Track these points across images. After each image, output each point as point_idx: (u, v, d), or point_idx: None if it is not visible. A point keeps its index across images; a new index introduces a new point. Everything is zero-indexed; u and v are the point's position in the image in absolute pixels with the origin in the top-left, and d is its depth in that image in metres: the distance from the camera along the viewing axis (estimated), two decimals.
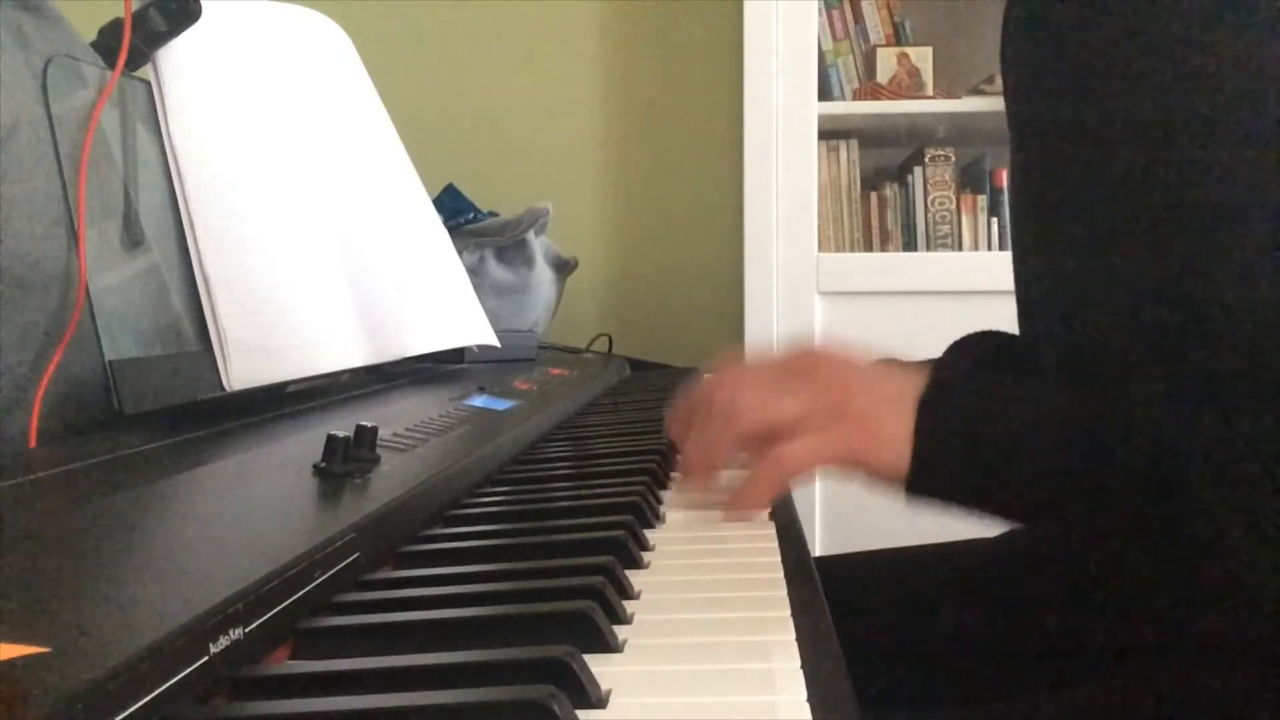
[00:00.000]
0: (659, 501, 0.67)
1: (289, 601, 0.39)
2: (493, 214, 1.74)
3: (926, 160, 1.96)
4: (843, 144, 1.97)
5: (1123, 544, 0.55)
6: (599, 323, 1.98)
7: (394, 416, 0.75)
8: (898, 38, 2.01)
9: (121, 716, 0.28)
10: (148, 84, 0.76)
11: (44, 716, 0.26)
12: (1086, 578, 0.66)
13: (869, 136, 2.01)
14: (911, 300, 1.82)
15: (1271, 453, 0.50)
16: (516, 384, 1.03)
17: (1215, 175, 0.52)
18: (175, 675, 0.31)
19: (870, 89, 1.96)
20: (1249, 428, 0.51)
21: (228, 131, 0.81)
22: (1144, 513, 0.53)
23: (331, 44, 1.05)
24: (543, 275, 1.66)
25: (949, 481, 0.59)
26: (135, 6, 0.74)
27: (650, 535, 0.58)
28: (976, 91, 1.93)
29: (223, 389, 0.70)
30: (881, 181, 2.02)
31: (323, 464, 0.56)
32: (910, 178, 1.98)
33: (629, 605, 0.45)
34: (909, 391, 0.60)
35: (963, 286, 1.79)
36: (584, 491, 0.67)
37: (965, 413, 0.59)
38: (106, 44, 0.73)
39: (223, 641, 0.34)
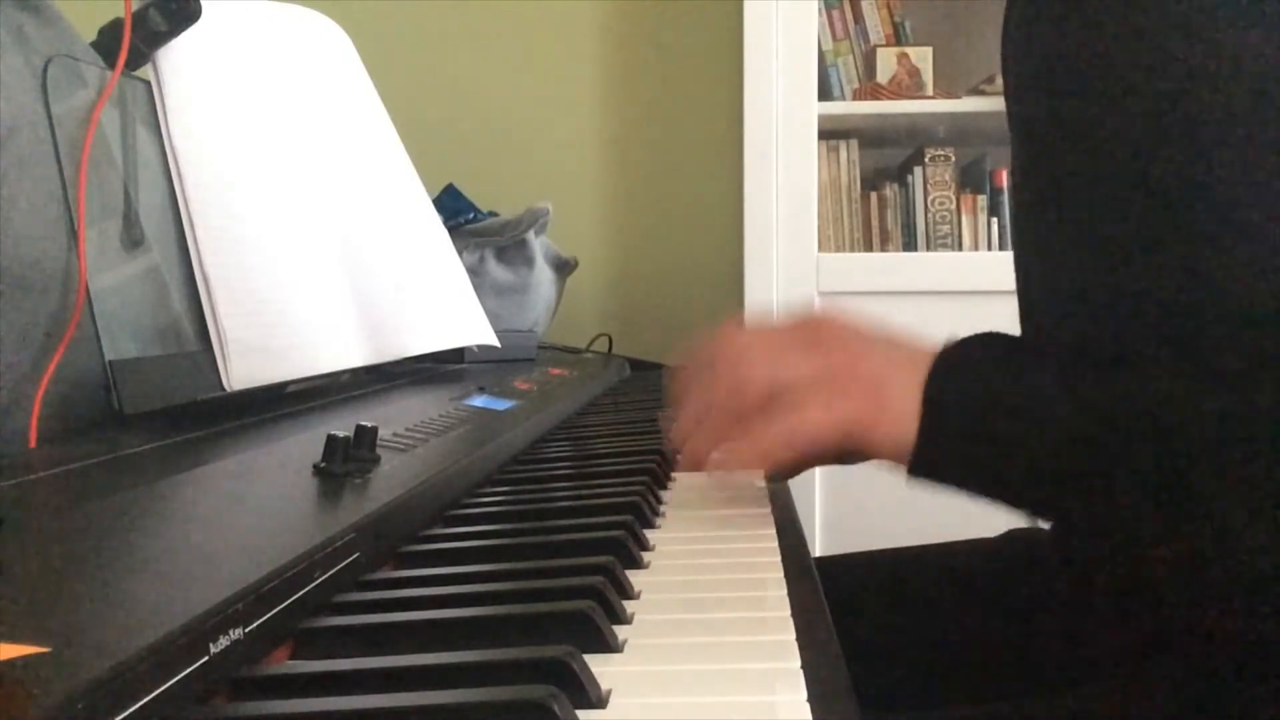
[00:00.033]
0: (659, 501, 0.67)
1: (289, 601, 0.39)
2: (493, 214, 1.74)
3: (926, 160, 1.96)
4: (843, 144, 1.97)
5: (1132, 534, 0.53)
6: (599, 323, 1.98)
7: (394, 416, 0.75)
8: (898, 38, 2.01)
9: (121, 716, 0.28)
10: (148, 84, 0.76)
11: (44, 716, 0.26)
12: (1093, 569, 0.65)
13: (869, 136, 2.01)
14: (911, 300, 1.82)
15: (1275, 446, 0.49)
16: (516, 384, 1.03)
17: (1217, 174, 0.52)
18: (175, 675, 0.31)
19: (870, 89, 1.96)
20: (1254, 422, 0.50)
21: (228, 131, 0.81)
22: (1153, 501, 0.51)
23: (331, 44, 1.05)
24: (543, 275, 1.66)
25: (955, 459, 0.57)
26: (135, 6, 0.74)
27: (650, 535, 0.58)
28: (976, 91, 1.93)
29: (223, 389, 0.70)
30: (881, 181, 2.02)
31: (323, 464, 0.56)
32: (910, 178, 1.98)
33: (629, 605, 0.45)
34: (918, 363, 0.57)
35: (963, 286, 1.79)
36: (584, 491, 0.67)
37: (974, 388, 0.56)
38: (106, 44, 0.73)
39: (223, 641, 0.34)
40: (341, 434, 0.57)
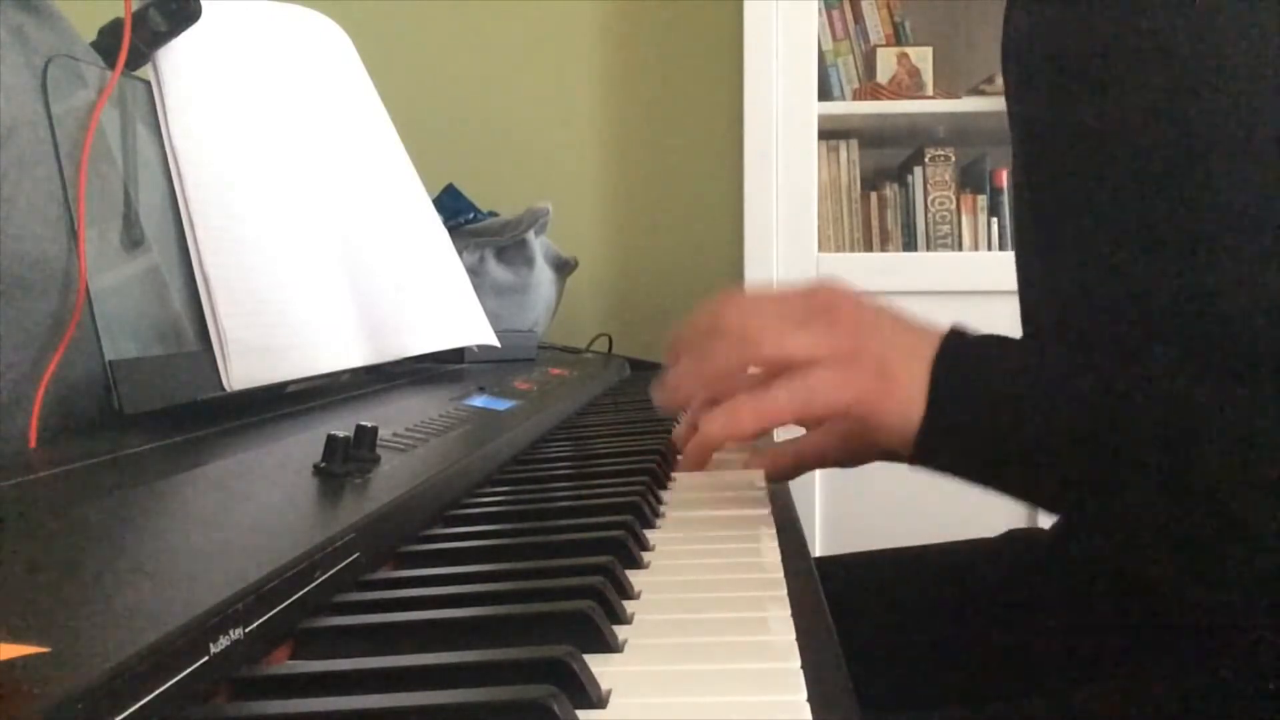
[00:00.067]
0: (659, 501, 0.67)
1: (289, 601, 0.39)
2: (493, 214, 1.74)
3: (926, 160, 1.97)
4: (843, 144, 1.97)
5: (1140, 525, 0.52)
6: (599, 323, 1.98)
7: (394, 416, 0.75)
8: (898, 38, 2.01)
9: (121, 716, 0.28)
10: (148, 84, 0.76)
11: (44, 716, 0.26)
12: (1096, 564, 0.65)
13: (869, 136, 2.01)
14: (911, 300, 1.80)
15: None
16: (516, 384, 1.03)
17: (1218, 174, 0.52)
18: (175, 675, 0.31)
19: (870, 89, 1.96)
20: (1262, 414, 0.49)
21: (228, 131, 0.81)
22: (1164, 491, 0.50)
23: (331, 44, 1.05)
24: (543, 275, 1.66)
25: (960, 443, 0.55)
26: (135, 6, 0.74)
27: (650, 535, 0.58)
28: (976, 91, 1.93)
29: (223, 389, 0.70)
30: (881, 181, 2.02)
31: (323, 464, 0.56)
32: (910, 178, 1.98)
33: (629, 605, 0.45)
34: (926, 343, 0.56)
35: (963, 286, 1.79)
36: (584, 491, 0.67)
37: (982, 370, 0.55)
38: (106, 44, 0.73)
39: (223, 641, 0.34)
40: (341, 434, 0.57)
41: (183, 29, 0.77)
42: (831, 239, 1.96)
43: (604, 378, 1.34)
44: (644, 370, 1.57)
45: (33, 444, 0.58)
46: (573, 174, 2.13)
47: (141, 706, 0.29)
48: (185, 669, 0.32)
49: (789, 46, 1.84)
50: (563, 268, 1.73)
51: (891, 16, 2.01)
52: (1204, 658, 0.59)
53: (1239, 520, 0.49)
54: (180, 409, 0.66)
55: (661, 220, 2.13)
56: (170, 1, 0.76)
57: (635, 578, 0.49)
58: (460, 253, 1.19)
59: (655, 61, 2.12)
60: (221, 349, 0.72)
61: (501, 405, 0.89)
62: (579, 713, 0.33)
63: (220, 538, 0.44)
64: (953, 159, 1.97)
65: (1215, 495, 0.49)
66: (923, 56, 1.98)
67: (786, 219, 1.86)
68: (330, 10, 1.05)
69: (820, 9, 1.93)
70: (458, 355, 1.13)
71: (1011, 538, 0.85)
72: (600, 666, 0.36)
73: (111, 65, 0.71)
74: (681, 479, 0.75)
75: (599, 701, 0.35)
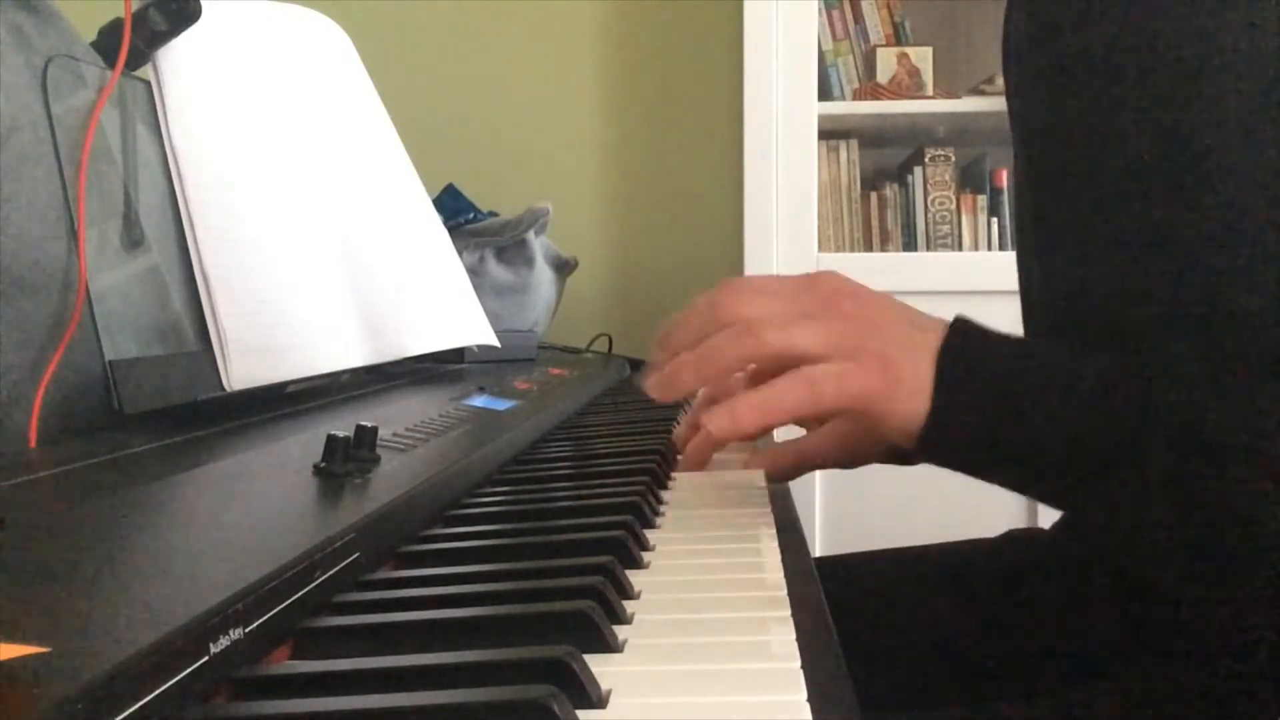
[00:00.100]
0: (659, 501, 0.67)
1: (289, 601, 0.39)
2: (493, 214, 1.74)
3: (926, 160, 1.97)
4: (843, 144, 1.97)
5: (1151, 517, 0.51)
6: (599, 323, 1.98)
7: (394, 416, 0.75)
8: (898, 38, 2.01)
9: (121, 717, 0.28)
10: (148, 84, 0.76)
11: (44, 716, 0.26)
12: (1100, 561, 0.65)
13: (869, 136, 2.01)
14: (912, 300, 1.80)
15: None
16: (516, 384, 1.03)
17: (1219, 172, 0.52)
18: (175, 675, 0.31)
19: (870, 89, 1.96)
20: (1265, 414, 0.49)
21: (228, 131, 0.81)
22: (1169, 485, 0.50)
23: (331, 44, 1.05)
24: (543, 275, 1.66)
25: (966, 437, 0.54)
26: (135, 6, 0.74)
27: (650, 535, 0.58)
28: (976, 91, 1.93)
29: (223, 389, 0.70)
30: (881, 181, 2.02)
31: (323, 464, 0.56)
32: (910, 178, 1.98)
33: (629, 605, 0.45)
34: (930, 334, 0.56)
35: (963, 286, 1.79)
36: (584, 491, 0.67)
37: (988, 364, 0.54)
38: (106, 44, 0.73)
39: (223, 641, 0.34)
40: (341, 434, 0.57)
41: (183, 29, 0.77)
42: (831, 239, 1.96)
43: (604, 378, 1.34)
44: (644, 370, 1.57)
45: (33, 444, 0.58)
46: (573, 174, 2.13)
47: (141, 706, 0.29)
48: (185, 669, 0.32)
49: (789, 46, 1.85)
50: (563, 268, 1.73)
51: (891, 16, 2.01)
52: (1204, 658, 0.59)
53: (1244, 517, 0.49)
54: (180, 409, 0.66)
55: (661, 220, 2.13)
56: (170, 1, 0.76)
57: (635, 578, 0.49)
58: (460, 253, 1.19)
59: (655, 61, 2.12)
60: (221, 349, 0.72)
61: (501, 405, 0.89)
62: (579, 713, 0.33)
63: (220, 538, 0.44)
64: (953, 159, 1.97)
65: (1221, 491, 0.49)
66: (923, 56, 1.98)
67: (786, 219, 1.86)
68: (330, 10, 1.05)
69: (820, 9, 1.93)
70: (458, 355, 1.13)
71: (1011, 538, 0.85)
72: (600, 666, 0.36)
73: (111, 65, 0.71)
74: (681, 479, 0.75)
75: (599, 701, 0.35)
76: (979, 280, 1.77)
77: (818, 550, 1.80)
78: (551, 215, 1.67)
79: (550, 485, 0.70)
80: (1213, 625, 0.59)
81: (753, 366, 0.62)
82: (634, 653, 0.40)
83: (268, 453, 0.60)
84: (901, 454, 0.67)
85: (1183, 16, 0.53)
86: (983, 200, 1.97)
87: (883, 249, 1.98)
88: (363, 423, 0.59)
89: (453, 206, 1.71)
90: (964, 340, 0.55)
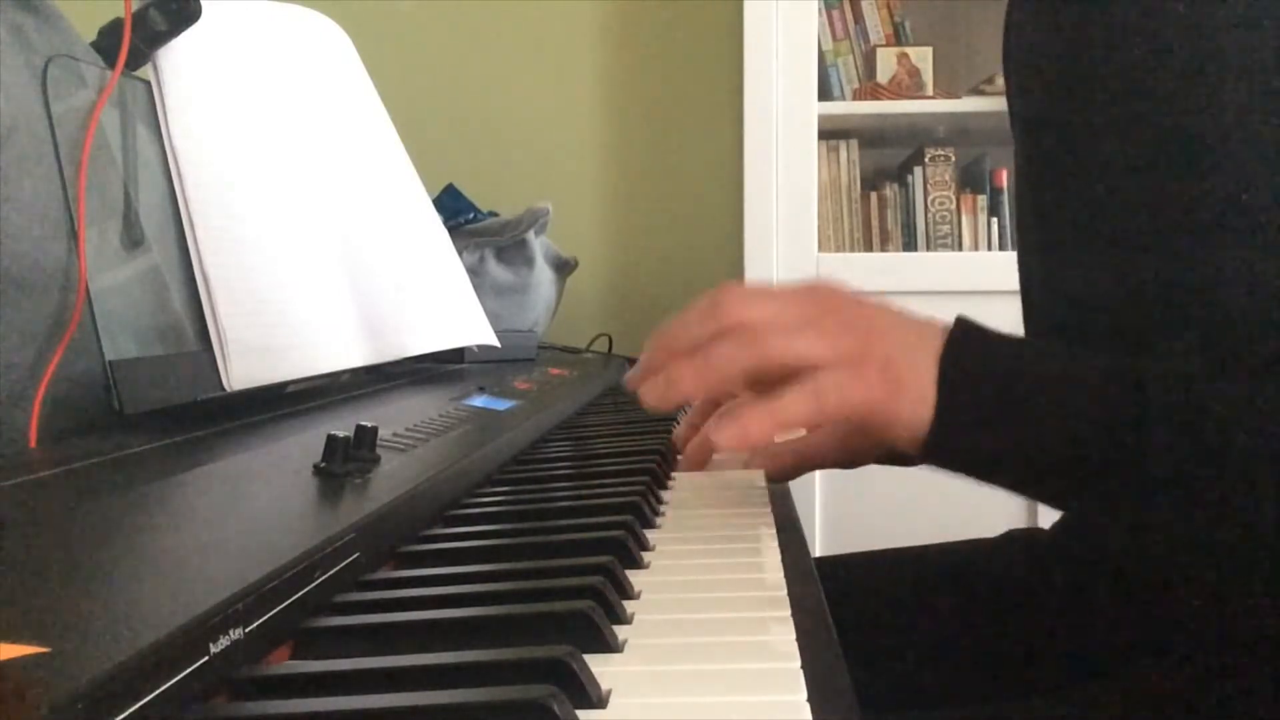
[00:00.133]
0: (659, 501, 0.67)
1: (289, 601, 0.39)
2: (493, 214, 1.74)
3: (926, 160, 1.97)
4: (843, 144, 1.97)
5: (1158, 518, 0.51)
6: (599, 323, 1.98)
7: (394, 416, 0.75)
8: (898, 38, 2.01)
9: (121, 717, 0.28)
10: (148, 84, 0.76)
11: (44, 716, 0.26)
12: (1104, 562, 0.65)
13: (869, 136, 2.01)
14: (911, 300, 1.80)
15: None
16: (516, 384, 1.03)
17: (1219, 170, 0.52)
18: (175, 675, 0.31)
19: (870, 89, 1.96)
20: (1272, 412, 0.49)
21: (228, 131, 0.81)
22: (1179, 485, 0.49)
23: (331, 44, 1.05)
24: (543, 275, 1.66)
25: (971, 441, 0.54)
26: (135, 6, 0.74)
27: (650, 535, 0.58)
28: (976, 91, 1.93)
29: (223, 389, 0.70)
30: (881, 181, 2.02)
31: (323, 464, 0.56)
32: (910, 178, 1.98)
33: (629, 605, 0.45)
34: (931, 338, 0.55)
35: (963, 286, 1.79)
36: (584, 491, 0.67)
37: (991, 366, 0.54)
38: (106, 44, 0.73)
39: (223, 641, 0.34)
40: (341, 434, 0.57)
41: (183, 29, 0.77)
42: (831, 239, 1.96)
43: (604, 378, 1.34)
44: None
45: (33, 444, 0.58)
46: (573, 174, 2.13)
47: (141, 706, 0.29)
48: (185, 669, 0.32)
49: (789, 46, 1.84)
50: (563, 268, 1.73)
51: (891, 16, 2.01)
52: (1204, 658, 0.59)
53: (1245, 517, 0.49)
54: (180, 409, 0.66)
55: (661, 220, 2.13)
56: (170, 1, 0.76)
57: (635, 578, 0.49)
58: (460, 253, 1.19)
59: (655, 61, 2.12)
60: (221, 349, 0.72)
61: (501, 405, 0.89)
62: (579, 713, 0.33)
63: (220, 538, 0.44)
64: (953, 159, 1.97)
65: (1222, 491, 0.49)
66: (923, 56, 1.98)
67: (786, 219, 1.86)
68: (330, 10, 1.05)
69: (820, 9, 1.93)
70: (458, 355, 1.13)
71: (1011, 538, 0.85)
72: (600, 666, 0.36)
73: (111, 65, 0.71)
74: (681, 479, 0.75)
75: (599, 701, 0.35)
76: (979, 280, 1.77)
77: (818, 550, 1.80)
78: (551, 215, 1.67)
79: (550, 485, 0.70)
80: (1213, 625, 0.59)
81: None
82: (634, 653, 0.40)
83: (268, 453, 0.60)
84: (901, 455, 0.67)
85: (1183, 16, 0.53)
86: (983, 200, 1.97)
87: (883, 249, 1.98)
88: (363, 423, 0.59)
89: (453, 206, 1.71)
90: (965, 343, 0.55)
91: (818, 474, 1.79)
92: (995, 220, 1.96)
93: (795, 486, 0.75)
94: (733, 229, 1.93)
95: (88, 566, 0.38)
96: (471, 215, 1.71)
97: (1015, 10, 0.65)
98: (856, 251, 1.97)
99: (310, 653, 0.40)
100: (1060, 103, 0.59)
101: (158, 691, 0.30)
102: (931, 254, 1.95)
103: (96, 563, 0.38)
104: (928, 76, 1.97)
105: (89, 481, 0.50)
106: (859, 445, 0.70)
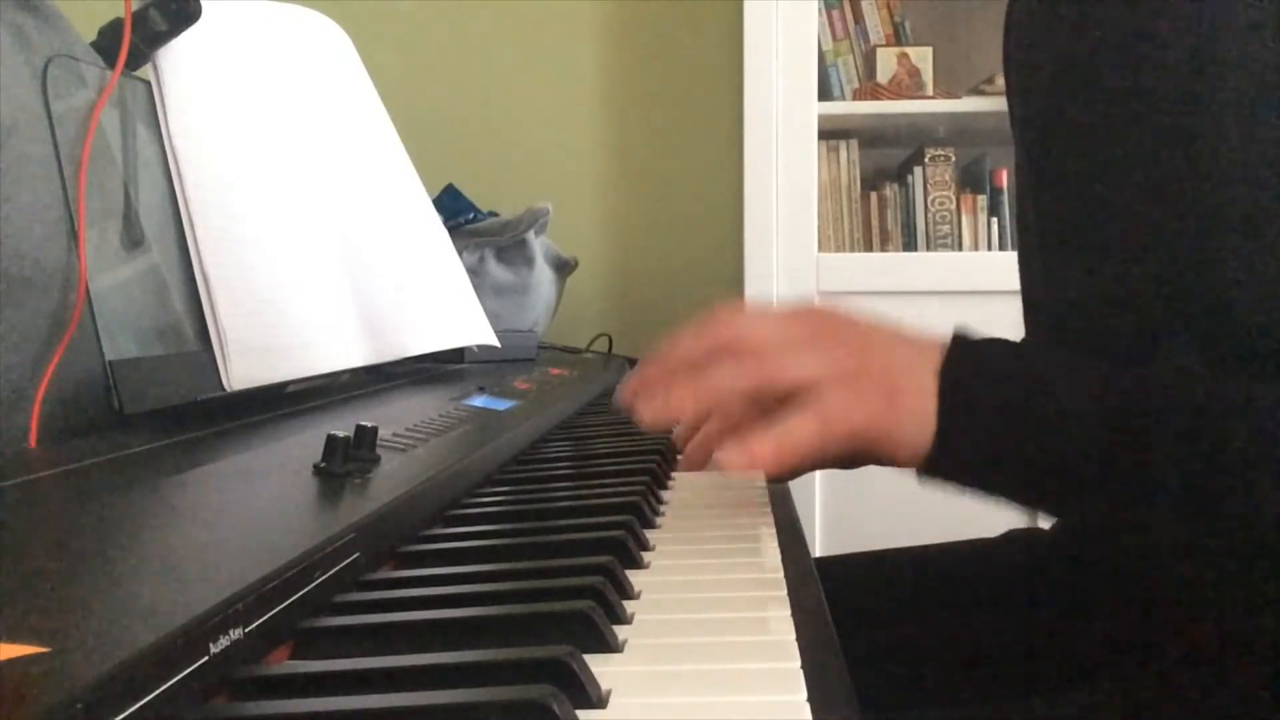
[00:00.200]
0: (659, 501, 0.67)
1: (289, 601, 0.39)
2: (493, 214, 1.74)
3: (926, 160, 1.96)
4: (843, 144, 1.97)
5: (1163, 528, 0.51)
6: (599, 323, 1.98)
7: (394, 416, 0.75)
8: (898, 38, 2.01)
9: (121, 716, 0.28)
10: (148, 84, 0.76)
11: (44, 716, 0.26)
12: (1108, 570, 0.64)
13: (869, 136, 2.01)
14: (911, 300, 1.82)
15: None
16: (516, 384, 1.03)
17: (1221, 170, 0.52)
18: (175, 675, 0.31)
19: (870, 89, 1.96)
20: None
21: (228, 131, 0.81)
22: (1190, 492, 0.49)
23: (331, 44, 1.05)
24: (543, 275, 1.66)
25: (973, 456, 0.54)
26: (135, 6, 0.74)
27: (650, 535, 0.58)
28: (976, 91, 1.93)
29: (223, 389, 0.70)
30: (881, 181, 2.02)
31: (323, 464, 0.56)
32: (910, 178, 1.98)
33: (629, 605, 0.45)
34: (930, 353, 0.55)
35: (963, 286, 1.79)
36: (584, 491, 0.67)
37: (991, 379, 0.54)
38: (106, 44, 0.73)
39: (223, 641, 0.34)
40: (341, 434, 0.57)
41: (183, 29, 0.77)
42: (831, 239, 1.96)
43: (604, 378, 1.34)
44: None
45: (33, 444, 0.58)
46: (573, 174, 2.13)
47: (141, 706, 0.29)
48: (185, 669, 0.32)
49: (789, 46, 1.84)
50: (563, 268, 1.73)
51: (891, 16, 2.01)
52: (1204, 658, 0.59)
53: (1252, 519, 0.48)
54: (180, 409, 0.66)
55: (661, 220, 2.13)
56: (170, 1, 0.76)
57: (635, 578, 0.49)
58: (460, 253, 1.19)
59: (655, 61, 2.12)
60: (221, 349, 0.72)
61: (501, 405, 0.89)
62: (579, 713, 0.33)
63: (220, 538, 0.44)
64: (953, 159, 1.97)
65: (1229, 493, 0.49)
66: (923, 56, 1.98)
67: (786, 219, 1.86)
68: (330, 10, 1.05)
69: (820, 9, 1.93)
70: (458, 355, 1.13)
71: (1011, 538, 0.85)
72: (600, 666, 0.36)
73: (111, 65, 0.71)
74: (681, 479, 0.75)
75: (599, 701, 0.35)
76: (979, 280, 1.77)
77: (818, 550, 1.80)
78: (551, 215, 1.67)
79: (550, 485, 0.70)
80: (1213, 626, 0.59)
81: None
82: (634, 653, 0.40)
83: (268, 453, 0.60)
84: None
85: (1183, 16, 0.53)
86: (983, 200, 1.97)
87: (883, 249, 1.98)
88: (363, 423, 0.59)
89: (453, 206, 1.71)
90: (963, 359, 0.55)
91: (818, 474, 1.79)
92: (995, 220, 1.96)
93: (795, 486, 0.74)
94: (733, 229, 1.93)
95: (88, 566, 0.38)
96: (471, 215, 1.71)
97: (1015, 10, 0.65)
98: (856, 251, 1.97)
99: (310, 653, 0.40)
100: (1060, 103, 0.59)
101: (158, 691, 0.30)
102: (931, 254, 1.95)
103: (96, 563, 0.38)
104: (928, 76, 1.97)
105: (89, 481, 0.50)
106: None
